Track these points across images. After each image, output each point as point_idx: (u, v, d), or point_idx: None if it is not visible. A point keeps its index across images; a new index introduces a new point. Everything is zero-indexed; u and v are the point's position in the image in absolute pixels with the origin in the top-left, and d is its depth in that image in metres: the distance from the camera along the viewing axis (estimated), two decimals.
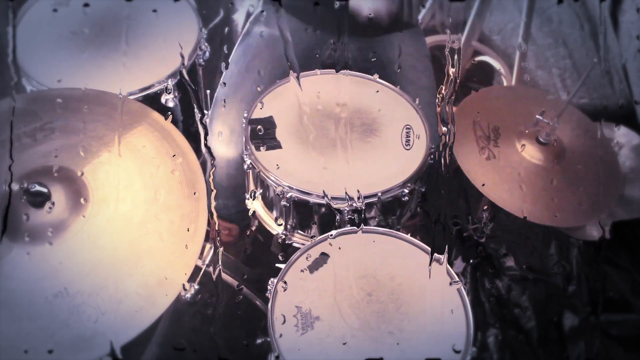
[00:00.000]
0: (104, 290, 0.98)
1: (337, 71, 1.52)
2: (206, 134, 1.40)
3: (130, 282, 0.99)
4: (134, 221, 1.05)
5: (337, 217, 1.28)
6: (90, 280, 0.99)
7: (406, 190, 1.31)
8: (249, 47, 1.65)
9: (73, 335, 0.94)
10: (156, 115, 1.22)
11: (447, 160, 1.26)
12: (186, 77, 1.42)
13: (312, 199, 1.28)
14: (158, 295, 0.99)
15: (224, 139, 1.52)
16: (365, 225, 1.28)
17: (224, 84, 1.59)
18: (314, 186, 1.28)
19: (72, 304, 0.96)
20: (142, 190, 1.09)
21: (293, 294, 1.14)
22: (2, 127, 1.12)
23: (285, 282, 1.15)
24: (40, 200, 1.02)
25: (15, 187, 1.03)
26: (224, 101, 1.60)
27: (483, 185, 1.30)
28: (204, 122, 1.61)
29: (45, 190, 1.03)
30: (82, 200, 1.05)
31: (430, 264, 1.18)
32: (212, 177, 1.14)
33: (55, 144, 1.11)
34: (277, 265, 1.22)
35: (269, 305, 1.11)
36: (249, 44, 1.66)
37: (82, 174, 1.08)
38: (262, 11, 1.68)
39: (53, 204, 1.03)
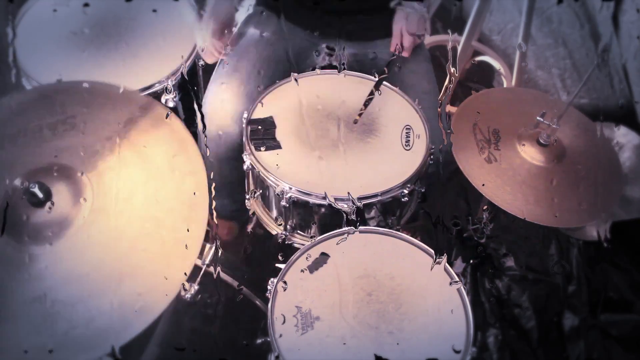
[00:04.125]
0: (104, 289, 0.98)
1: (339, 71, 1.52)
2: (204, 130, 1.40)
3: (131, 282, 0.99)
4: (134, 221, 1.05)
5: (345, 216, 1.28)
6: (91, 279, 0.99)
7: (406, 191, 1.31)
8: (246, 47, 1.64)
9: (72, 335, 0.94)
10: (162, 111, 1.21)
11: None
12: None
13: (311, 199, 1.28)
14: (158, 295, 0.99)
15: (215, 138, 1.52)
16: (365, 225, 1.28)
17: (221, 83, 1.59)
18: (313, 186, 1.28)
19: (70, 303, 0.96)
20: (142, 191, 1.09)
21: (293, 294, 1.14)
22: (8, 121, 1.12)
23: (285, 282, 1.15)
24: (40, 200, 1.02)
25: (20, 183, 1.03)
26: (219, 100, 1.60)
27: (483, 185, 1.30)
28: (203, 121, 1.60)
29: (45, 190, 1.02)
30: (82, 200, 1.05)
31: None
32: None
33: (65, 142, 1.10)
34: (277, 265, 1.22)
35: (269, 305, 1.11)
36: (247, 44, 1.65)
37: (83, 173, 1.08)
38: (262, 12, 1.68)
39: (53, 203, 1.02)
